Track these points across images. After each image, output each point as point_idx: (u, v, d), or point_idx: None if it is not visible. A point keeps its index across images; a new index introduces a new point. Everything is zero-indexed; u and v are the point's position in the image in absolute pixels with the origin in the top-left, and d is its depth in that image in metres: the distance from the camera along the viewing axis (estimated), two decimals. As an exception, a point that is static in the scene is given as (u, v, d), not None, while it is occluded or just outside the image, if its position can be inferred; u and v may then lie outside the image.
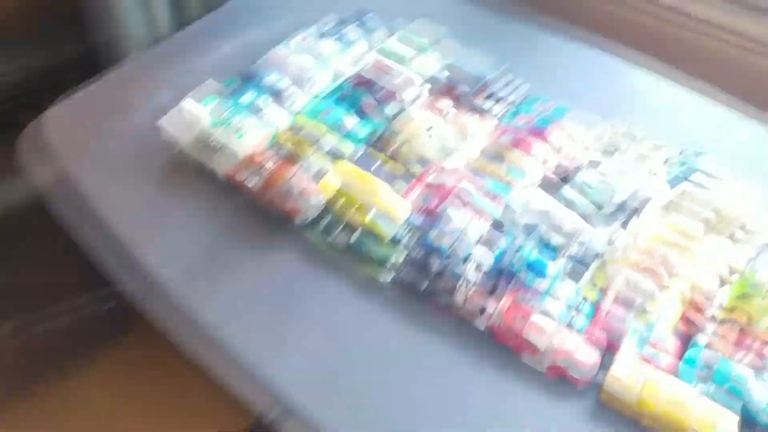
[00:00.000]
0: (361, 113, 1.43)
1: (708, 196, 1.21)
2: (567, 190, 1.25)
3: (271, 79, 1.46)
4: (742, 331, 1.06)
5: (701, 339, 1.05)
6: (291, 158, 1.34)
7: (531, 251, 1.15)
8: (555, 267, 1.12)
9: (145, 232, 1.30)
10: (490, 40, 1.59)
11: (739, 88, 1.43)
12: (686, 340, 1.07)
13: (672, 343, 1.06)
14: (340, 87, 1.49)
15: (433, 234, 1.18)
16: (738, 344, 1.04)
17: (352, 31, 1.57)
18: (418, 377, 1.08)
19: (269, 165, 1.31)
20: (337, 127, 1.40)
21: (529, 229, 1.19)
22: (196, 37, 1.68)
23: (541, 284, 1.10)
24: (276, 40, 1.56)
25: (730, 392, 1.00)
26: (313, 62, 1.50)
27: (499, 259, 1.15)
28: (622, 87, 1.52)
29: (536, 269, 1.11)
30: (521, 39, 1.63)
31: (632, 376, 1.02)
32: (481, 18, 1.69)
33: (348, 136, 1.39)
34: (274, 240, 1.27)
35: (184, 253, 1.26)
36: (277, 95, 1.45)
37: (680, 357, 1.05)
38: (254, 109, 1.43)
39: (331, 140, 1.37)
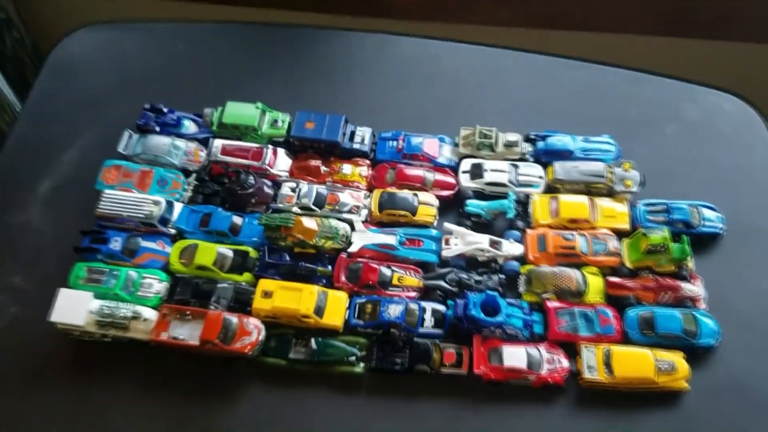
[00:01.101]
0: (239, 208, 1.40)
1: (574, 170, 1.37)
2: (471, 205, 1.37)
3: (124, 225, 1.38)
4: (654, 276, 1.28)
5: (630, 300, 1.26)
6: (204, 292, 1.30)
7: (477, 288, 1.26)
8: (503, 299, 1.25)
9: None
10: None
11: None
12: (619, 303, 1.27)
13: (611, 313, 1.26)
14: (202, 183, 1.43)
15: (385, 309, 1.25)
16: (657, 290, 1.26)
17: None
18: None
19: (189, 312, 1.26)
20: (225, 235, 1.37)
21: (458, 264, 1.31)
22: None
23: (498, 315, 1.23)
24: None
25: (670, 335, 1.22)
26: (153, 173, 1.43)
27: (453, 308, 1.25)
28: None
29: (491, 305, 1.23)
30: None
31: (597, 358, 1.20)
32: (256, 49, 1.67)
33: (242, 236, 1.37)
34: (231, 381, 1.26)
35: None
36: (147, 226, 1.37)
37: (621, 319, 1.25)
38: (128, 253, 1.35)
39: (228, 253, 1.34)
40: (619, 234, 1.34)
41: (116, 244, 1.35)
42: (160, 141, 1.47)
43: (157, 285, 1.32)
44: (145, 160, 1.46)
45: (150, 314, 1.27)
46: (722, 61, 1.70)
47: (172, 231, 1.39)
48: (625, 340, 1.24)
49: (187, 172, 1.46)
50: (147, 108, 1.51)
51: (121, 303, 1.27)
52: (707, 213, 1.35)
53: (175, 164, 1.46)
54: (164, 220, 1.38)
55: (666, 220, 1.33)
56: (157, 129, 1.50)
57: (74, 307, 1.26)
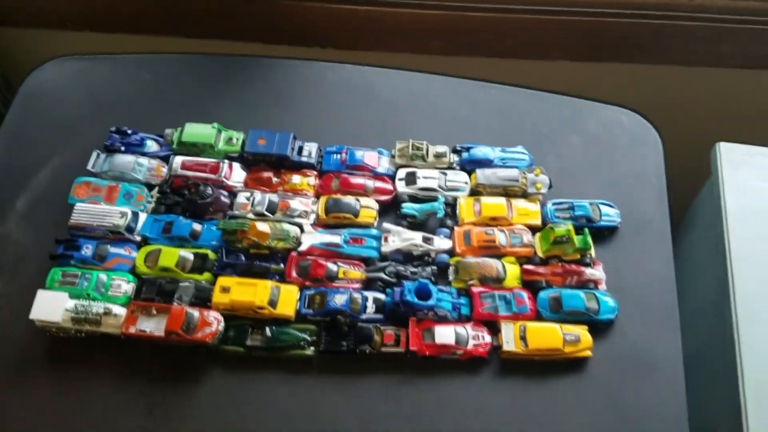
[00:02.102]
0: (198, 217, 1.56)
1: (493, 176, 1.58)
2: (406, 207, 1.56)
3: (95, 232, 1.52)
4: (562, 263, 1.49)
5: (542, 284, 1.47)
6: (168, 290, 1.45)
7: (405, 279, 1.45)
8: (434, 286, 1.44)
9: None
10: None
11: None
12: (533, 286, 1.47)
13: (526, 295, 1.46)
14: (164, 194, 1.59)
15: (331, 298, 1.42)
16: (564, 274, 1.47)
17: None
18: (377, 413, 1.37)
19: (155, 308, 1.42)
20: (186, 240, 1.52)
21: (396, 258, 1.50)
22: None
23: (430, 299, 1.41)
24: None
25: (574, 311, 1.43)
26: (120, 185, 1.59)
27: (391, 295, 1.43)
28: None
29: (423, 291, 1.41)
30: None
31: (514, 333, 1.40)
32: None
33: (201, 241, 1.53)
34: (194, 368, 1.41)
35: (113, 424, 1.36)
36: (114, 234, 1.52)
37: (534, 300, 1.45)
38: (98, 258, 1.50)
39: (189, 256, 1.50)
40: (532, 229, 1.54)
41: (87, 250, 1.50)
42: (125, 159, 1.63)
43: (125, 285, 1.46)
44: (112, 176, 1.61)
45: (120, 310, 1.41)
46: (622, 82, 1.94)
47: (138, 238, 1.53)
48: (538, 317, 1.44)
49: (150, 186, 1.61)
50: (113, 130, 1.67)
51: (93, 301, 1.42)
52: (606, 210, 1.56)
53: (139, 179, 1.61)
54: (130, 229, 1.52)
55: (570, 216, 1.54)
56: (123, 149, 1.65)
57: (52, 306, 1.39)
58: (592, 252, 1.50)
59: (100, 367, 1.41)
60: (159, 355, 1.41)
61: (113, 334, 1.40)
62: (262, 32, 1.98)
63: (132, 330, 1.39)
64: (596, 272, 1.48)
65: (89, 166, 1.61)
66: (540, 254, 1.51)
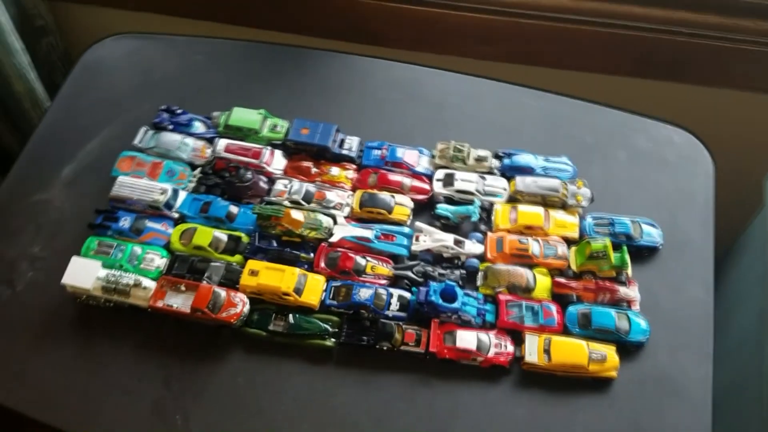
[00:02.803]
0: (236, 200, 1.58)
1: (533, 184, 1.55)
2: (441, 208, 1.54)
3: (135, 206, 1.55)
4: (596, 279, 1.45)
5: (572, 298, 1.43)
6: (198, 268, 1.47)
7: (433, 280, 1.43)
8: (461, 289, 1.42)
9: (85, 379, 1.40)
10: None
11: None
12: (563, 300, 1.44)
13: (554, 308, 1.42)
14: (206, 175, 1.61)
15: (356, 292, 1.41)
16: (596, 291, 1.43)
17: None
18: (390, 412, 1.35)
19: (183, 284, 1.43)
20: (222, 221, 1.54)
21: (425, 258, 1.48)
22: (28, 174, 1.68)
23: (455, 302, 1.39)
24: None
25: (603, 330, 1.38)
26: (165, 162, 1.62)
27: (416, 294, 1.42)
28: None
29: (449, 293, 1.39)
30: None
31: (538, 345, 1.37)
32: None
33: (236, 223, 1.54)
34: (216, 348, 1.42)
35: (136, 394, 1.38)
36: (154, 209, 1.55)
37: (563, 315, 1.42)
38: (135, 231, 1.53)
39: (223, 237, 1.52)
40: (569, 242, 1.51)
41: (125, 222, 1.53)
42: (171, 137, 1.66)
43: (158, 260, 1.49)
44: (157, 153, 1.65)
45: (149, 284, 1.44)
46: (676, 101, 1.88)
47: (176, 215, 1.56)
48: (565, 332, 1.40)
49: (193, 166, 1.64)
50: (163, 109, 1.71)
51: (125, 273, 1.44)
52: (648, 229, 1.52)
53: (183, 158, 1.64)
54: (169, 205, 1.55)
55: (610, 232, 1.50)
56: (171, 127, 1.69)
57: (84, 273, 1.43)
58: (629, 271, 1.46)
59: (124, 337, 1.44)
60: (182, 332, 1.43)
61: (141, 306, 1.43)
62: (316, 25, 1.99)
63: (159, 304, 1.42)
64: (630, 292, 1.43)
65: (136, 141, 1.65)
66: (574, 268, 1.47)
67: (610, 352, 1.37)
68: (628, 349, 1.39)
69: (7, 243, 1.54)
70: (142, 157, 1.64)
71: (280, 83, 1.81)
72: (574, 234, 1.51)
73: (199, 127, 1.70)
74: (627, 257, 1.45)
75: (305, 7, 1.98)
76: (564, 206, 1.55)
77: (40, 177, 1.64)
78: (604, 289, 1.43)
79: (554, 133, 1.69)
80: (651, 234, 1.51)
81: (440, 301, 1.38)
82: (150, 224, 1.54)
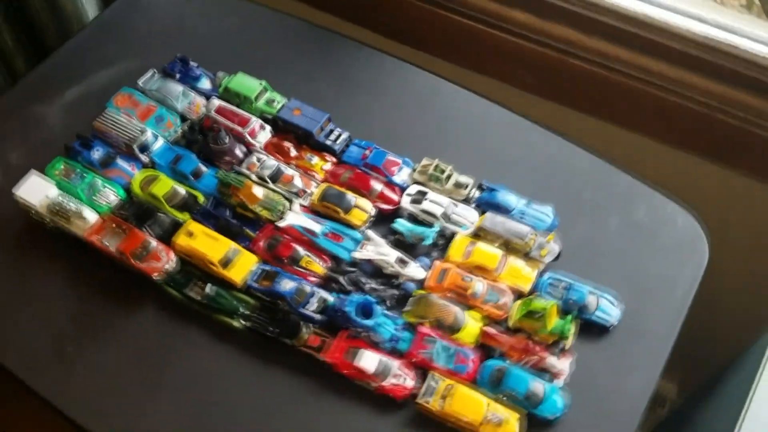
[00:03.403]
0: (210, 161, 1.57)
1: (501, 224, 1.44)
2: (399, 223, 1.47)
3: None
4: (529, 340, 1.32)
5: (496, 352, 1.32)
6: (145, 215, 1.47)
7: (362, 292, 1.36)
8: (380, 308, 1.34)
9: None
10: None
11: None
12: (488, 351, 1.33)
13: (471, 356, 1.32)
14: (191, 130, 1.61)
15: (280, 281, 1.37)
16: (523, 351, 1.31)
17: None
18: (273, 411, 1.30)
19: (124, 226, 1.44)
20: (187, 177, 1.53)
21: (364, 268, 1.41)
22: (37, 85, 1.74)
23: (370, 320, 1.32)
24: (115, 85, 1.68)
25: (511, 394, 1.26)
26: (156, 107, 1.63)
27: (335, 300, 1.35)
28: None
29: (368, 309, 1.32)
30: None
31: (438, 388, 1.27)
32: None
33: (200, 183, 1.53)
34: (135, 296, 1.42)
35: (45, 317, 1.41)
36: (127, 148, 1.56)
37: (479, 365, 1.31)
38: (103, 164, 1.55)
39: (181, 191, 1.51)
40: (519, 294, 1.39)
41: (96, 153, 1.56)
42: (174, 87, 1.68)
43: (112, 197, 1.50)
44: (155, 97, 1.67)
45: (91, 216, 1.45)
46: (709, 185, 1.70)
47: (145, 159, 1.57)
48: (474, 383, 1.29)
49: (184, 118, 1.65)
50: (178, 57, 1.73)
51: (74, 199, 1.47)
52: (606, 305, 1.36)
53: (177, 108, 1.65)
54: (143, 148, 1.56)
55: (562, 297, 1.37)
56: (178, 77, 1.71)
57: (36, 190, 1.47)
58: (569, 342, 1.33)
59: (58, 261, 1.47)
60: (115, 275, 1.44)
61: (78, 235, 1.44)
62: (360, 15, 1.96)
63: (94, 238, 1.43)
64: (559, 364, 1.30)
65: (139, 81, 1.67)
66: (510, 322, 1.35)
67: (512, 418, 1.25)
68: (539, 421, 1.26)
69: (-10, 143, 1.61)
70: (139, 97, 1.66)
71: (301, 62, 1.79)
72: (525, 287, 1.39)
73: (206, 83, 1.71)
74: (570, 327, 1.32)
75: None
76: (527, 255, 1.43)
77: (46, 90, 1.70)
78: (532, 352, 1.31)
79: (553, 179, 1.57)
80: (607, 311, 1.37)
81: (353, 314, 1.31)
82: (119, 162, 1.56)
